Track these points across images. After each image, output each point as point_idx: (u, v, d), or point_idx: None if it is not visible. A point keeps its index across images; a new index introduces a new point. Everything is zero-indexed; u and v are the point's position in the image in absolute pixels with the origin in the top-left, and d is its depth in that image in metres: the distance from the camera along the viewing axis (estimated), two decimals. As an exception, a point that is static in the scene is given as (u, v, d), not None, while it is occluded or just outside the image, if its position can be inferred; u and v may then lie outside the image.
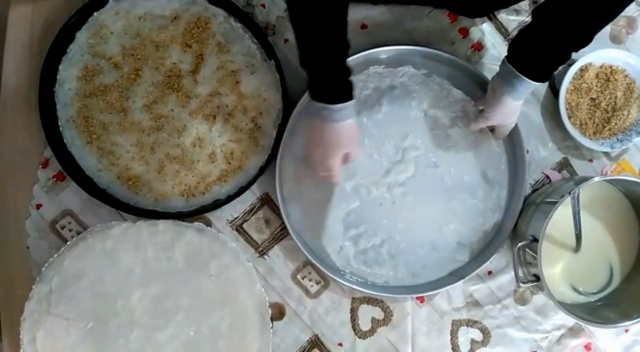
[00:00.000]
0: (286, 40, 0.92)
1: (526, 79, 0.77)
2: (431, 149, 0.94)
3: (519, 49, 0.79)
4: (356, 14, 0.92)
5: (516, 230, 0.94)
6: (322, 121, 0.77)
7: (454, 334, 0.97)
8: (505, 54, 0.80)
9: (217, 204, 0.90)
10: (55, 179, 0.91)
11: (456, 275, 0.95)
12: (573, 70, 0.93)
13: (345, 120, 0.77)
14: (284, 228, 0.92)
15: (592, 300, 0.94)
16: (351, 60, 0.89)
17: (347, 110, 0.76)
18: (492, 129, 0.92)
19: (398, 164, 0.93)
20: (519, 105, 0.84)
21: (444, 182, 0.94)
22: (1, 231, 0.90)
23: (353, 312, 0.95)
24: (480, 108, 0.90)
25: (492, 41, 0.95)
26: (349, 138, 0.80)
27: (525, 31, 0.78)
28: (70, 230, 0.91)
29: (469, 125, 0.92)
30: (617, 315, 0.89)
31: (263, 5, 0.92)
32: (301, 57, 0.74)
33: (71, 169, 0.88)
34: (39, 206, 0.91)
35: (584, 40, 0.76)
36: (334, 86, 0.74)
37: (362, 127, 0.92)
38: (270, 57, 0.89)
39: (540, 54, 0.77)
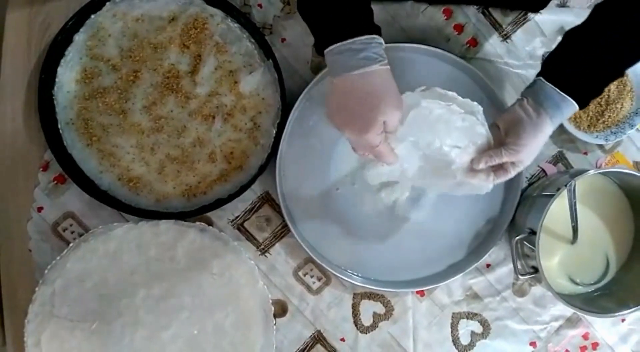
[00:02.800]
0: (283, 40, 0.93)
1: (573, 102, 0.71)
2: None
3: (564, 69, 0.71)
4: (352, 12, 0.93)
5: (513, 223, 0.95)
6: (344, 78, 0.59)
7: (454, 327, 0.98)
8: (537, 70, 0.75)
9: (218, 204, 0.90)
10: (56, 181, 0.91)
11: (455, 269, 0.96)
12: (567, 64, 0.94)
13: (374, 65, 0.58)
14: (285, 226, 0.93)
15: (590, 290, 0.95)
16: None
17: (375, 48, 0.57)
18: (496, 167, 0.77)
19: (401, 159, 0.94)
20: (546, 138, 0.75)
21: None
22: (3, 234, 0.90)
23: (355, 307, 0.96)
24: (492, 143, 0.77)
25: (486, 37, 0.96)
26: (386, 94, 0.61)
27: (568, 50, 0.72)
28: (72, 232, 0.92)
29: (475, 160, 0.75)
30: (614, 304, 0.90)
31: (260, 5, 0.92)
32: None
33: (72, 172, 0.88)
34: (40, 209, 0.91)
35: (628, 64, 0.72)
36: (350, 12, 0.57)
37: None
38: (268, 56, 0.90)
39: (590, 75, 0.70)
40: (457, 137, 0.76)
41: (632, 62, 0.72)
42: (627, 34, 0.68)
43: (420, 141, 0.76)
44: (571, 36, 0.74)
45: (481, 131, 0.76)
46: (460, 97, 0.76)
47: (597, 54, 0.69)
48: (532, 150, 0.74)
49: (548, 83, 0.72)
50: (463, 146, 0.76)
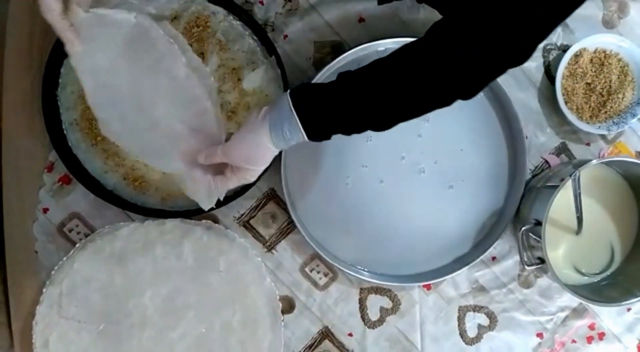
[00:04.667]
0: (285, 36, 0.93)
1: (301, 130, 0.64)
2: (434, 140, 0.95)
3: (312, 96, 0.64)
4: (354, 7, 0.93)
5: (518, 215, 0.96)
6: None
7: (461, 320, 0.98)
8: None
9: (223, 201, 0.90)
10: (61, 182, 0.91)
11: (461, 262, 0.96)
12: (568, 56, 0.94)
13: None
14: (291, 222, 0.93)
15: (595, 280, 0.96)
16: (349, 53, 0.91)
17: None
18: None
19: (405, 155, 0.95)
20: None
21: (445, 170, 0.96)
22: (9, 236, 0.90)
23: (362, 302, 0.96)
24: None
25: (487, 30, 0.96)
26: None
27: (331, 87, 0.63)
28: (78, 233, 0.91)
29: (201, 155, 0.70)
30: (620, 294, 0.91)
31: (261, 2, 0.92)
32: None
33: (77, 172, 0.88)
34: (45, 210, 0.91)
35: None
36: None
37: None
38: (270, 53, 0.90)
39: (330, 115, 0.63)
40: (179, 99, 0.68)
41: (379, 123, 0.65)
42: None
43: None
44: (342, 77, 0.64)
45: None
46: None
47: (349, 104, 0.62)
48: (240, 153, 0.67)
49: (289, 99, 0.64)
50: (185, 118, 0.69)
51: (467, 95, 0.62)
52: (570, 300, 0.99)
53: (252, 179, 0.70)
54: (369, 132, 0.65)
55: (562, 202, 0.88)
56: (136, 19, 0.68)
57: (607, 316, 1.00)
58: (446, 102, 0.62)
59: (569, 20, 0.96)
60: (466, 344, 0.98)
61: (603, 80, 0.96)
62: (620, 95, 0.96)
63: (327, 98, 0.63)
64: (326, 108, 0.63)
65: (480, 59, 0.57)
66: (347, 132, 0.65)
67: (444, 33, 0.59)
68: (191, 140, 0.72)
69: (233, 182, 0.70)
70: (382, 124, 0.64)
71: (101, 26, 0.67)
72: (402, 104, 0.62)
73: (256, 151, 0.67)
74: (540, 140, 0.98)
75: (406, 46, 0.61)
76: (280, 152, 0.89)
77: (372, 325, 0.97)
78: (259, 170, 0.69)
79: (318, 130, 0.64)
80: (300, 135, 0.65)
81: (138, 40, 0.69)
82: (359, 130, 0.65)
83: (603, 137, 1.00)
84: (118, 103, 0.72)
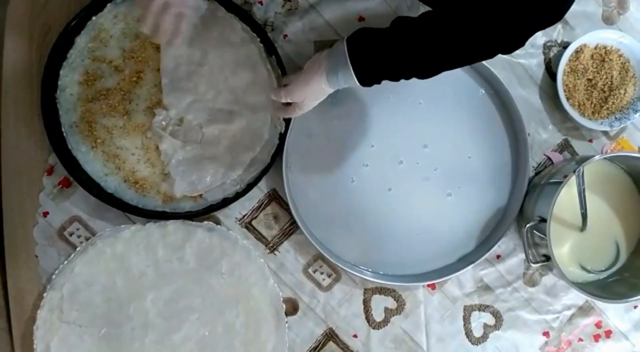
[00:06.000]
0: (285, 36, 0.93)
1: (353, 75, 0.72)
2: (436, 140, 0.95)
3: (367, 44, 0.71)
4: (353, 6, 0.93)
5: (522, 213, 0.95)
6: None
7: (466, 320, 0.97)
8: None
9: (225, 203, 0.90)
10: (61, 185, 0.90)
11: (465, 261, 0.96)
12: (569, 52, 0.94)
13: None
14: (293, 223, 0.93)
15: (601, 277, 0.95)
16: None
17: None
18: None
19: (408, 154, 0.95)
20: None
21: (448, 170, 0.95)
22: (9, 240, 0.89)
23: (366, 303, 0.95)
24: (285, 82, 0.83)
25: (487, 28, 0.96)
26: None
27: (385, 33, 0.70)
28: (79, 236, 0.91)
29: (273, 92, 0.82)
30: (627, 290, 0.90)
31: (261, 2, 0.92)
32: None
33: (77, 175, 0.87)
34: (45, 214, 0.90)
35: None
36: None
37: (371, 119, 0.93)
38: (270, 53, 0.89)
39: (382, 64, 0.71)
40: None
41: (425, 72, 0.71)
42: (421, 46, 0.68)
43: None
44: (397, 22, 0.71)
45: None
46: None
47: (394, 52, 0.69)
48: (302, 94, 0.78)
49: (346, 47, 0.72)
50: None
51: (508, 50, 0.68)
52: (577, 298, 0.98)
53: (307, 110, 0.80)
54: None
55: (566, 199, 0.88)
56: (207, 5, 0.88)
57: (613, 313, 1.00)
58: (488, 54, 0.69)
59: (569, 17, 0.97)
60: (472, 343, 0.97)
61: (604, 77, 0.96)
62: (622, 91, 0.96)
63: (381, 44, 0.70)
64: (379, 54, 0.70)
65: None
66: (396, 78, 0.71)
67: None
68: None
69: (292, 112, 0.81)
70: (429, 71, 0.70)
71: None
72: (449, 54, 0.68)
73: (314, 93, 0.78)
74: (543, 137, 0.98)
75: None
76: (282, 153, 0.89)
77: (377, 326, 0.96)
78: (315, 104, 0.80)
79: (370, 77, 0.72)
80: (353, 81, 0.73)
81: (209, 18, 0.88)
82: (407, 76, 0.71)
83: (605, 133, 0.99)
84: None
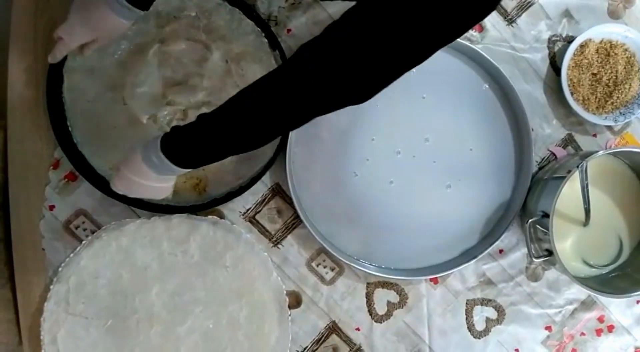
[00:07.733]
0: (289, 31, 0.93)
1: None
2: (440, 133, 0.95)
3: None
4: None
5: (525, 207, 0.95)
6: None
7: (469, 314, 0.98)
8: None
9: (229, 196, 0.90)
10: (66, 179, 0.91)
11: (468, 255, 0.96)
12: (573, 46, 0.94)
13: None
14: (296, 217, 0.93)
15: (604, 272, 0.95)
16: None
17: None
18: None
19: (411, 147, 0.95)
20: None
21: (452, 164, 0.95)
22: (16, 233, 0.90)
23: (368, 296, 0.96)
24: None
25: (492, 22, 0.96)
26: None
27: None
28: (85, 229, 0.92)
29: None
30: (629, 285, 0.90)
31: (264, -3, 0.93)
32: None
33: (83, 169, 0.88)
34: (51, 207, 0.91)
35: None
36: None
37: (374, 113, 0.93)
38: (274, 47, 0.90)
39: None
40: None
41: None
42: None
43: None
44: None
45: None
46: None
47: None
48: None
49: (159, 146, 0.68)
50: None
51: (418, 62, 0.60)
52: (579, 292, 0.99)
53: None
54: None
55: (569, 194, 0.88)
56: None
57: (616, 308, 1.00)
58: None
59: (574, 11, 0.97)
60: (474, 337, 0.98)
61: (609, 71, 0.95)
62: (627, 86, 0.95)
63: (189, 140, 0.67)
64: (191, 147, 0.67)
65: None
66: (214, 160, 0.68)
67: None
68: None
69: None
70: (249, 146, 0.68)
71: None
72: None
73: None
74: (547, 132, 0.98)
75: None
76: (285, 148, 0.90)
77: (379, 319, 0.96)
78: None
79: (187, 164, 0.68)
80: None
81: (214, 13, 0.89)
82: (223, 156, 0.68)
83: (610, 128, 0.99)
84: None
